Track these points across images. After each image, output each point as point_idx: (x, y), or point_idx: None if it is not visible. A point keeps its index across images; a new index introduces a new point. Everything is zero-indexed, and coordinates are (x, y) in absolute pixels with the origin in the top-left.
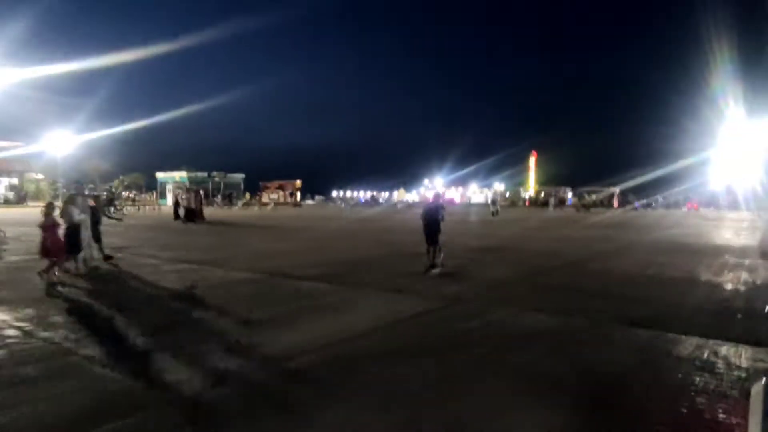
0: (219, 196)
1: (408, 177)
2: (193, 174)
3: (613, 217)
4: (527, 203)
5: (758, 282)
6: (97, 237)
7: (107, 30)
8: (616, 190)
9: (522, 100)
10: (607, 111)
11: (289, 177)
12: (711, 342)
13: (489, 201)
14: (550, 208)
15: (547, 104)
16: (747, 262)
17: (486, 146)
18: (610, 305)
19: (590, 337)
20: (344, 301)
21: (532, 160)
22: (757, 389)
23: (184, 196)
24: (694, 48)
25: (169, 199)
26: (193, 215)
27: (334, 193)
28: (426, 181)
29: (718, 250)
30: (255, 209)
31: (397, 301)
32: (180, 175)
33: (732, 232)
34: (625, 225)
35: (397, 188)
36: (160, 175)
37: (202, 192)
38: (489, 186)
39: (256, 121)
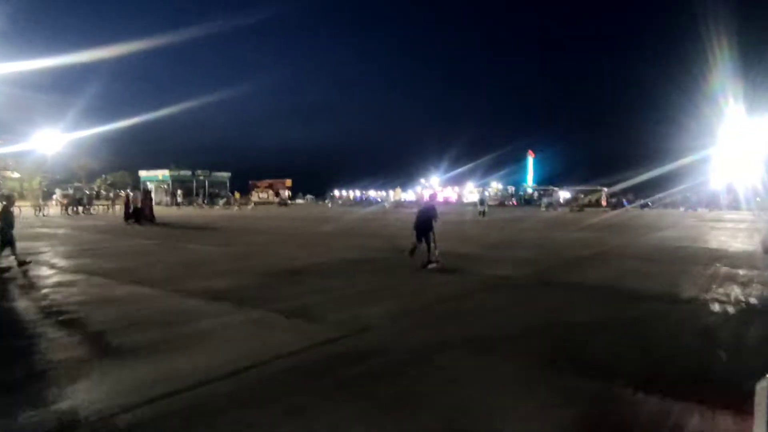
0: (200, 196)
1: (405, 176)
2: (176, 172)
3: (607, 218)
4: (514, 203)
5: (751, 301)
6: (7, 241)
7: (93, 25)
8: (604, 189)
9: (519, 99)
10: (605, 110)
11: (285, 176)
12: (677, 407)
13: (477, 201)
14: (543, 207)
15: (544, 103)
16: (741, 272)
17: (483, 145)
18: (548, 338)
19: (498, 396)
20: (219, 330)
21: (530, 159)
22: (762, 385)
23: (131, 196)
24: (694, 46)
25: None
26: (139, 216)
27: (335, 192)
28: (422, 180)
29: (711, 257)
30: (234, 209)
31: (290, 330)
32: (163, 173)
33: (729, 234)
34: (619, 227)
35: (394, 187)
36: (143, 174)
37: (180, 190)
38: (486, 185)
39: (253, 120)
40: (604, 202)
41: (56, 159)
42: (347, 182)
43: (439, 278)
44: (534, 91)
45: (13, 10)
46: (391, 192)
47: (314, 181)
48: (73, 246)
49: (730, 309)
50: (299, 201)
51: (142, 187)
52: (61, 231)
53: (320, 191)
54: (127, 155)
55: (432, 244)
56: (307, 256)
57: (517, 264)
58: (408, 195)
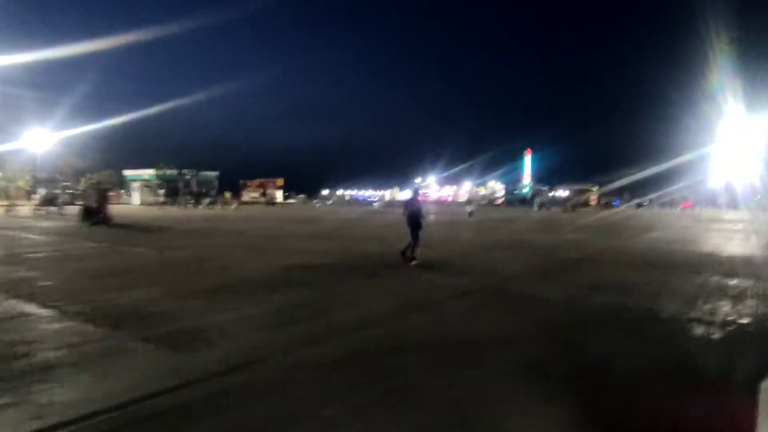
0: (183, 196)
1: (403, 175)
2: (162, 172)
3: (600, 219)
4: (499, 203)
5: (741, 321)
6: None
7: (82, 20)
8: (593, 188)
9: (518, 98)
10: (604, 108)
11: (282, 175)
12: None
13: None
14: (535, 207)
15: (543, 102)
16: (733, 282)
17: (481, 145)
18: (492, 363)
19: None
20: (60, 365)
21: (527, 158)
22: (766, 385)
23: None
24: (693, 44)
25: (135, 198)
26: (93, 216)
27: (326, 192)
28: (419, 179)
29: (702, 263)
30: (218, 209)
31: (142, 369)
32: (148, 173)
33: (724, 236)
34: (611, 228)
35: (392, 187)
36: (128, 173)
37: (162, 190)
38: (484, 184)
39: (251, 119)
40: (593, 202)
41: (45, 158)
42: (345, 181)
43: (391, 291)
44: (532, 90)
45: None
46: (388, 191)
47: (312, 180)
48: (2, 250)
49: (715, 333)
50: (291, 200)
51: (127, 185)
52: (9, 233)
53: (317, 190)
54: (121, 154)
55: (416, 242)
56: (253, 263)
57: (486, 271)
58: (403, 194)
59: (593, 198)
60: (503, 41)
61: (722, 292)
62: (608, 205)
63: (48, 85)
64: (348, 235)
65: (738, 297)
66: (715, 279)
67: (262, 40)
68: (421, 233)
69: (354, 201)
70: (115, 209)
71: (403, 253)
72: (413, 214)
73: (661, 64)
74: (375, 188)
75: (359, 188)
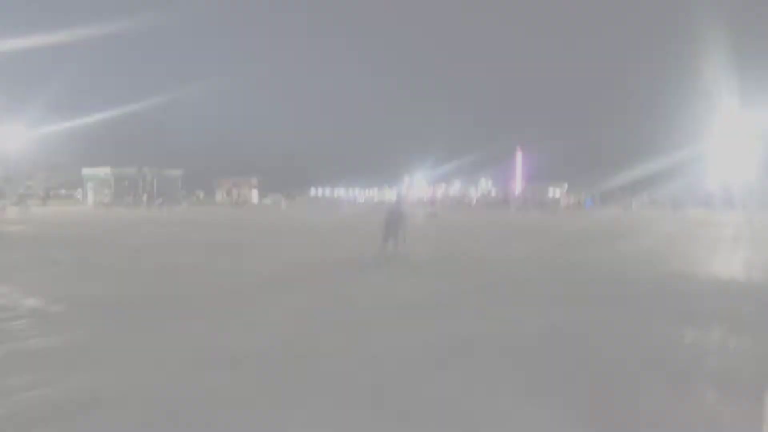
0: (133, 196)
1: (394, 175)
2: (119, 170)
3: (576, 222)
4: (474, 203)
5: None
6: None
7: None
8: (564, 187)
9: (511, 97)
10: (597, 108)
11: (278, 173)
12: None
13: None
14: (512, 209)
15: (536, 100)
16: (692, 334)
17: (472, 143)
18: None
19: None
20: None
21: (519, 157)
22: None
23: None
24: (687, 42)
25: (90, 198)
26: None
27: (313, 191)
28: (406, 178)
29: (663, 292)
30: (165, 211)
31: None
32: (104, 171)
33: (708, 246)
34: (578, 234)
35: (380, 186)
36: (86, 171)
37: (107, 189)
38: (475, 183)
39: (243, 117)
40: (565, 202)
41: (17, 155)
42: (337, 180)
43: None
44: (526, 88)
45: None
46: (377, 190)
47: (308, 178)
48: None
49: None
50: (266, 201)
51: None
52: None
53: (306, 189)
54: (100, 152)
55: (400, 240)
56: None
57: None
58: (388, 195)
59: (564, 199)
60: (497, 40)
61: (671, 360)
62: (580, 206)
63: (23, 84)
64: (247, 247)
65: (691, 374)
66: (670, 328)
67: (256, 38)
68: (402, 232)
69: (337, 202)
70: (44, 211)
71: (388, 253)
72: (393, 216)
73: (657, 62)
74: (364, 186)
75: (348, 186)
